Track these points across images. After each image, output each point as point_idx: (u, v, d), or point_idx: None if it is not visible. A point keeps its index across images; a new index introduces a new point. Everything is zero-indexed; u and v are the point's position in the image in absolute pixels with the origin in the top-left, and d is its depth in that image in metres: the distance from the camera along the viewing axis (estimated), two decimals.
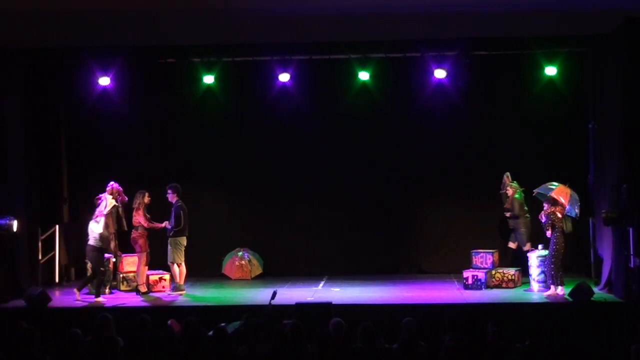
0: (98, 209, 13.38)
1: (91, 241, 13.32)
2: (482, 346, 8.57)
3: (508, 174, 14.49)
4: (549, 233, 13.07)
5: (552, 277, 13.06)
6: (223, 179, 16.21)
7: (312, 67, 15.23)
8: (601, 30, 13.56)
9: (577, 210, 13.19)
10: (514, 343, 8.71)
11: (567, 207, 13.08)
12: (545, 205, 13.13)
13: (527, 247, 14.21)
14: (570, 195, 13.14)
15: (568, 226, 13.28)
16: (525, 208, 14.35)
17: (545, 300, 12.81)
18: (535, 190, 13.40)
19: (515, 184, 14.40)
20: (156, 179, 14.85)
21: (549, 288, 13.15)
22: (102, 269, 13.39)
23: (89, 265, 13.83)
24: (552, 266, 13.01)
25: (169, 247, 13.86)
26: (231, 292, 14.26)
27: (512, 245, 14.59)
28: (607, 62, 13.69)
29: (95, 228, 13.27)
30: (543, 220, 13.10)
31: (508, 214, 14.41)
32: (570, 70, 14.94)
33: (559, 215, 13.03)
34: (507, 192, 14.41)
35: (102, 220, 13.28)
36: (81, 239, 15.77)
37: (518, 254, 14.49)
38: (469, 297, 13.06)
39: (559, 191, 13.12)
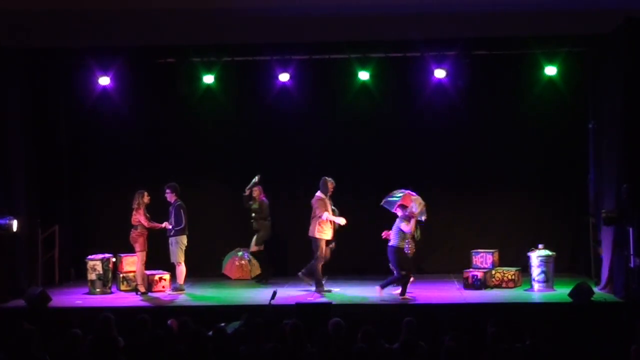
0: (409, 210, 13.00)
1: (396, 242, 13.02)
2: (482, 346, 8.58)
3: (259, 175, 14.91)
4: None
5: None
6: (223, 179, 16.21)
7: (312, 67, 15.23)
8: (601, 30, 13.56)
9: (423, 217, 13.38)
10: (514, 343, 8.71)
11: (416, 211, 13.16)
12: (400, 213, 13.10)
13: (255, 248, 15.03)
14: (420, 202, 13.26)
15: (417, 232, 13.50)
16: (268, 211, 14.95)
17: (545, 300, 12.81)
18: (384, 200, 13.49)
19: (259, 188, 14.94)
20: (156, 179, 14.84)
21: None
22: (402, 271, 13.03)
23: (90, 264, 13.87)
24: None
25: (172, 246, 13.87)
26: (231, 292, 14.25)
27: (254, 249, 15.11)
28: (607, 62, 13.69)
29: (405, 228, 12.96)
30: (408, 229, 13.00)
31: (254, 215, 14.96)
32: (570, 70, 14.93)
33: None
34: (254, 193, 14.92)
35: (413, 221, 12.98)
36: (81, 239, 15.85)
37: (258, 254, 15.13)
38: (469, 297, 13.06)
39: (406, 198, 13.17)
